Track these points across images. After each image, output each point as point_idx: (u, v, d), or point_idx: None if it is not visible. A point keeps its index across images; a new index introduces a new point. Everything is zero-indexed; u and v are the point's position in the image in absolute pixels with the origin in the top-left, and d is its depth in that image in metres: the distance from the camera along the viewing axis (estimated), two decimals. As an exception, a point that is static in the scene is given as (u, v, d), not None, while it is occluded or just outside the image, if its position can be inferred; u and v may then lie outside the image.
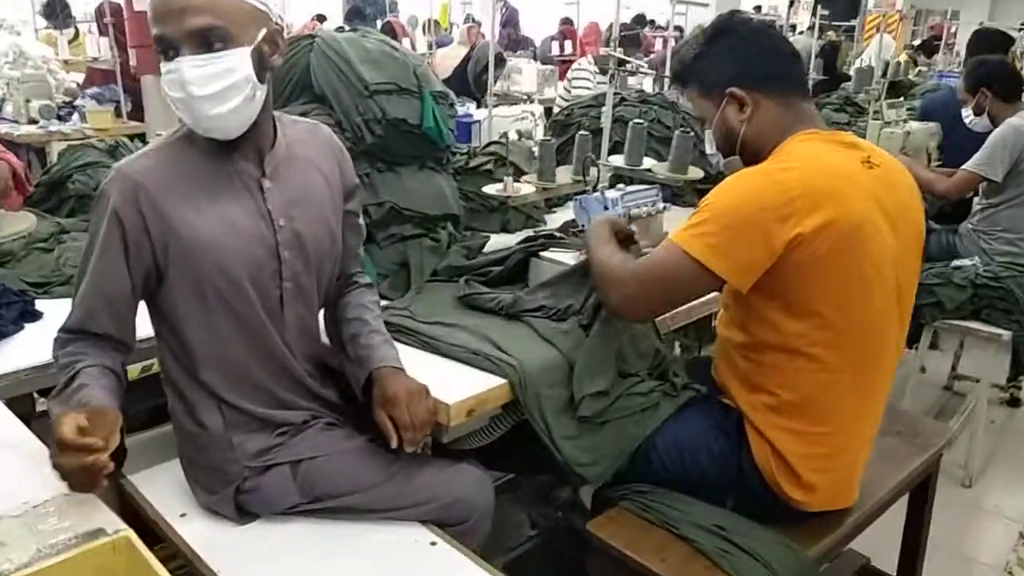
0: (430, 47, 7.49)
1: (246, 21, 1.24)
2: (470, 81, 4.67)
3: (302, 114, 1.86)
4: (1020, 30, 8.61)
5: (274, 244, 1.34)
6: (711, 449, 1.54)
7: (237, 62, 1.22)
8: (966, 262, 2.90)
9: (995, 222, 3.07)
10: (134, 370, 1.59)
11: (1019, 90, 3.11)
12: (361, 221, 1.57)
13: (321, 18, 8.83)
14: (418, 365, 1.49)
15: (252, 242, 1.32)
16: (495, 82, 4.06)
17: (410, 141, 1.96)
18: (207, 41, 1.20)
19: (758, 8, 14.64)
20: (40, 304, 1.72)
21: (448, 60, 6.44)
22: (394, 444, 1.35)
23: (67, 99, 4.33)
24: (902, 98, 5.25)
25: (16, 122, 4.09)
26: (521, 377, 1.49)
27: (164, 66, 1.23)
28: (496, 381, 1.50)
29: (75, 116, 4.17)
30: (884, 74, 6.87)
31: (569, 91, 4.75)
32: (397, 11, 9.00)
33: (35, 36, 5.94)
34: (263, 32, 1.26)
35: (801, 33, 10.06)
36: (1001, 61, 3.17)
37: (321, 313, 1.52)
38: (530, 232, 2.26)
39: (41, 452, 1.16)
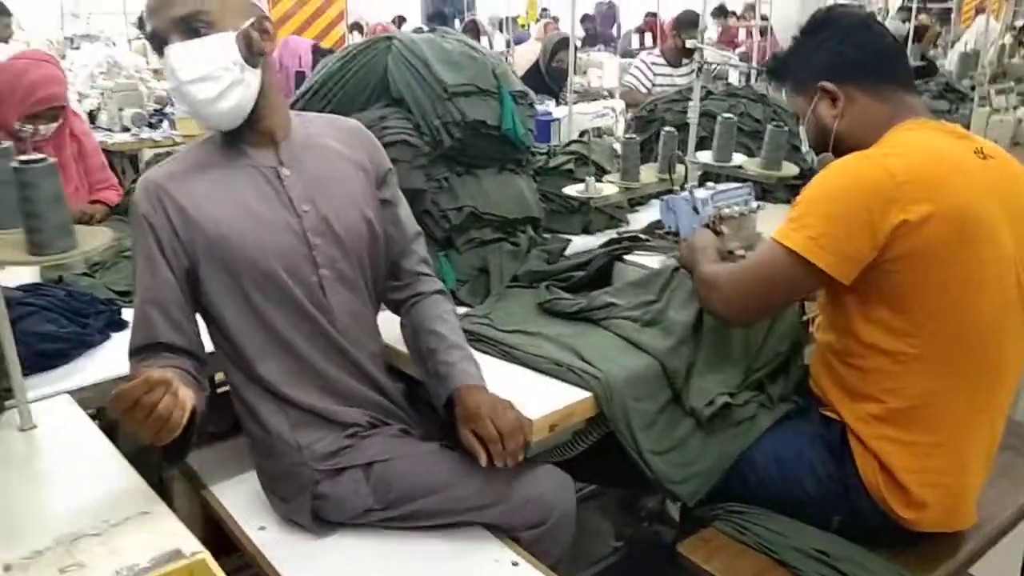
0: (508, 44, 7.46)
1: (232, 8, 1.28)
2: (543, 75, 4.59)
3: (380, 117, 1.84)
4: None
5: (301, 231, 1.35)
6: (813, 465, 1.43)
7: (221, 45, 1.25)
8: None
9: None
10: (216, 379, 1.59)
11: None
12: (406, 215, 1.53)
13: (401, 20, 8.91)
14: (498, 376, 1.44)
15: (278, 230, 1.33)
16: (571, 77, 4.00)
17: (489, 143, 1.90)
18: (192, 27, 1.24)
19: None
20: (127, 313, 1.74)
21: (525, 57, 6.37)
22: (484, 461, 1.29)
23: (157, 107, 4.45)
24: (1012, 83, 4.95)
25: (110, 131, 4.22)
26: (607, 389, 1.42)
27: (161, 61, 1.28)
28: (581, 394, 1.43)
29: (165, 123, 4.28)
30: (997, 58, 6.52)
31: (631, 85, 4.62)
32: (475, 9, 9.01)
33: (128, 47, 6.16)
34: (251, 20, 1.30)
35: (892, 17, 9.64)
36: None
37: (389, 317, 1.50)
38: (613, 234, 2.19)
39: (124, 467, 1.16)
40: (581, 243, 2.09)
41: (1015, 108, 3.34)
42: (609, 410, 1.41)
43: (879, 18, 8.51)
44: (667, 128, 2.16)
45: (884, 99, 1.39)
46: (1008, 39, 7.86)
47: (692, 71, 2.42)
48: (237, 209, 1.32)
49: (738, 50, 7.93)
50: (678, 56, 4.65)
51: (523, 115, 2.00)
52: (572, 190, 2.00)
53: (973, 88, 3.85)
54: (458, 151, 1.86)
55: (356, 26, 6.14)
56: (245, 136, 1.35)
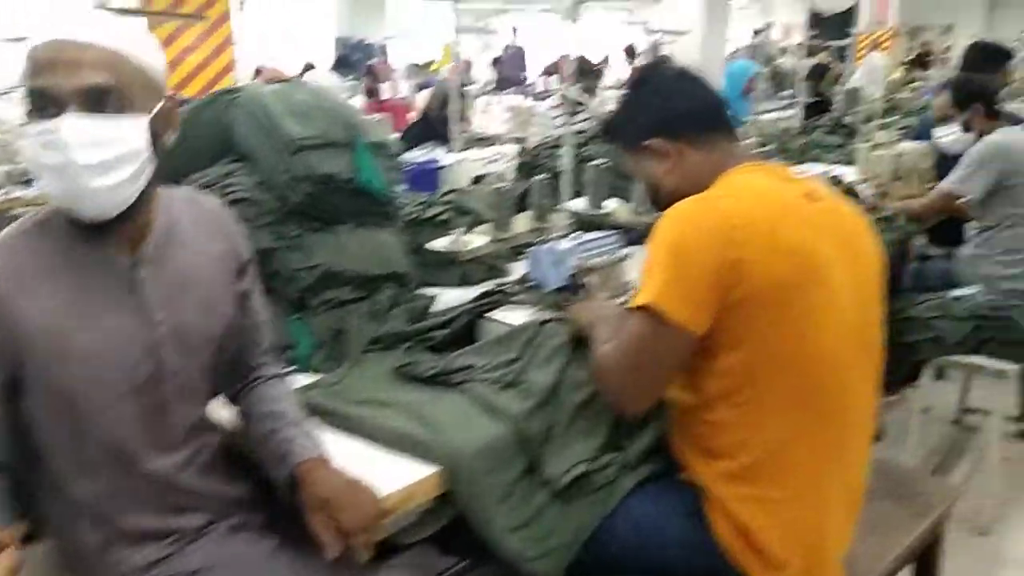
0: (419, 89, 7.45)
1: (145, 88, 1.10)
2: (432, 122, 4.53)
3: (225, 175, 1.73)
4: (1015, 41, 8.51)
5: (152, 343, 1.17)
6: (672, 531, 1.37)
7: (132, 130, 1.08)
8: (967, 291, 2.72)
9: (993, 245, 2.88)
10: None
11: (996, 109, 2.96)
12: (259, 302, 1.39)
13: (309, 67, 8.79)
14: (339, 454, 1.32)
15: (124, 342, 1.15)
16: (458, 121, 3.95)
17: (346, 197, 1.80)
18: (101, 102, 1.05)
19: (762, 30, 14.64)
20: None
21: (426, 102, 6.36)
22: (331, 554, 1.16)
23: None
24: (896, 117, 5.12)
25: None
26: (454, 463, 1.32)
27: (37, 125, 1.05)
28: (425, 471, 1.32)
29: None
30: (885, 93, 6.77)
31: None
32: (385, 55, 8.98)
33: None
34: (160, 104, 1.13)
35: (787, 53, 10.00)
36: (982, 77, 3.02)
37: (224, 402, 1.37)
38: (492, 285, 2.11)
39: None
40: (454, 297, 2.00)
41: (896, 142, 3.42)
42: (456, 486, 1.31)
43: (780, 55, 8.77)
44: (538, 177, 2.10)
45: (712, 149, 1.39)
46: (899, 73, 8.23)
47: (589, 117, 2.40)
48: (77, 316, 1.12)
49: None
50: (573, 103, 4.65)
51: (385, 166, 1.92)
52: (439, 243, 1.92)
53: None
54: (310, 207, 1.76)
55: (258, 72, 6.01)
56: (104, 226, 1.12)
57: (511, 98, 7.23)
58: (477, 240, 1.95)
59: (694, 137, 1.38)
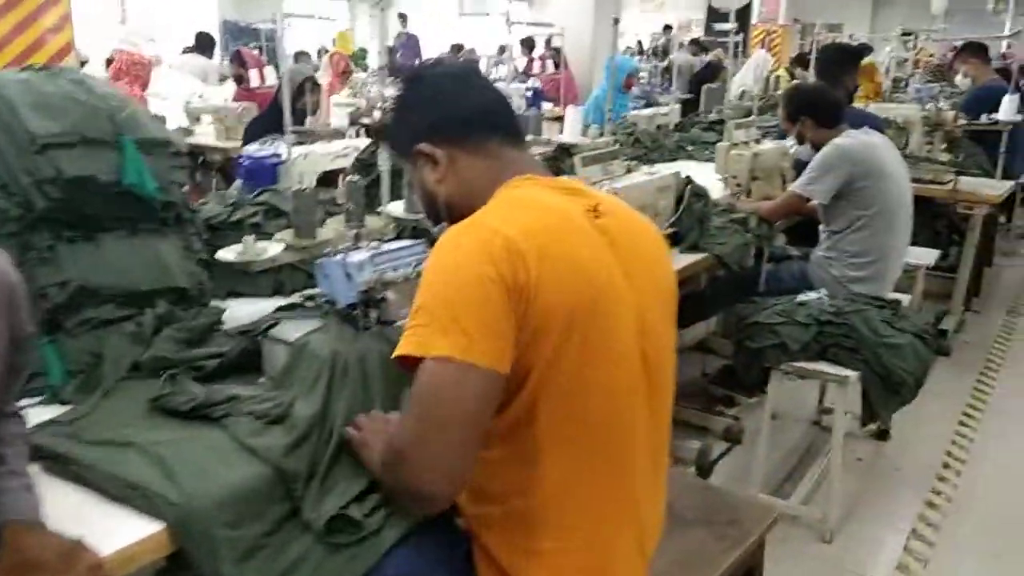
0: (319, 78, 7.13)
1: None
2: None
3: (-42, 177, 1.49)
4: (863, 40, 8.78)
5: None
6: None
7: None
8: (812, 295, 2.69)
9: (842, 248, 2.88)
10: None
11: (839, 114, 2.95)
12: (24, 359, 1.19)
13: (189, 50, 8.32)
14: (58, 507, 1.13)
15: None
16: (312, 113, 3.73)
17: (109, 202, 1.59)
18: None
19: (667, 27, 14.77)
20: None
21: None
22: None
23: None
24: (755, 117, 5.15)
25: None
26: (185, 518, 1.14)
27: None
28: (152, 527, 1.14)
29: None
30: (766, 90, 6.84)
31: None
32: (261, 41, 8.59)
33: None
34: None
35: (682, 46, 10.08)
36: (817, 87, 3.02)
37: None
38: (299, 298, 1.92)
39: None
40: (250, 312, 1.80)
41: (756, 142, 3.38)
42: (187, 544, 1.13)
43: (675, 51, 8.82)
44: (352, 177, 1.93)
45: (489, 156, 1.24)
46: (782, 71, 8.35)
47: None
48: None
49: (529, 81, 7.98)
50: None
51: (164, 166, 1.70)
52: (230, 253, 1.72)
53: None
54: (64, 213, 1.54)
55: (109, 61, 5.61)
56: None
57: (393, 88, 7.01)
58: (274, 248, 1.75)
59: (468, 143, 1.23)
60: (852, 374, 2.44)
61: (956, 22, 11.16)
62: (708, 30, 17.33)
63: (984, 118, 4.26)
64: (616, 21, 2.90)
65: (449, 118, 1.24)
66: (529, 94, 7.72)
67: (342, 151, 3.19)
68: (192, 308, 1.70)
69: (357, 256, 1.56)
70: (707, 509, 1.60)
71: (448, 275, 1.09)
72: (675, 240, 2.70)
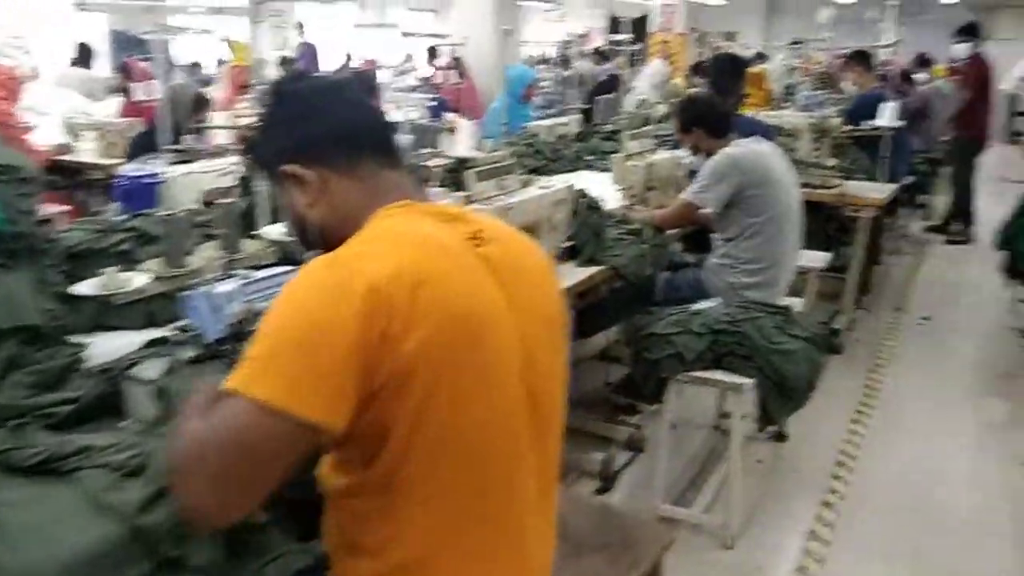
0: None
1: None
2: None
3: None
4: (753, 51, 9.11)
5: None
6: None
7: None
8: (706, 304, 2.72)
9: (736, 255, 2.93)
10: None
11: (729, 123, 3.01)
12: None
13: (76, 62, 7.90)
14: None
15: None
16: (196, 130, 3.58)
17: (-54, 235, 1.45)
18: None
19: (584, 34, 14.90)
20: None
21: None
22: None
23: None
24: (666, 123, 5.23)
25: None
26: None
27: None
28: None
29: None
30: (666, 99, 6.97)
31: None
32: (151, 52, 8.23)
33: None
34: None
35: (585, 56, 10.21)
36: (708, 98, 3.07)
37: None
38: (171, 331, 1.80)
39: None
40: (115, 348, 1.67)
41: (651, 152, 3.42)
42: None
43: (577, 60, 8.88)
44: (224, 199, 1.83)
45: (363, 179, 1.16)
46: (680, 80, 8.53)
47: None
48: None
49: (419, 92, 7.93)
50: None
51: (12, 193, 1.57)
52: (87, 286, 1.60)
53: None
54: None
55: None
56: None
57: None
58: (140, 279, 1.64)
59: (339, 163, 1.15)
60: (747, 381, 2.47)
61: (841, 32, 11.68)
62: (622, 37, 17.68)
63: (867, 124, 4.43)
64: (508, 32, 2.86)
65: (317, 136, 1.15)
66: (433, 104, 7.68)
67: (226, 169, 3.07)
68: (47, 347, 1.57)
69: (225, 286, 1.48)
70: (603, 532, 1.57)
71: (295, 313, 0.99)
72: (572, 253, 2.69)
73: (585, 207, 2.69)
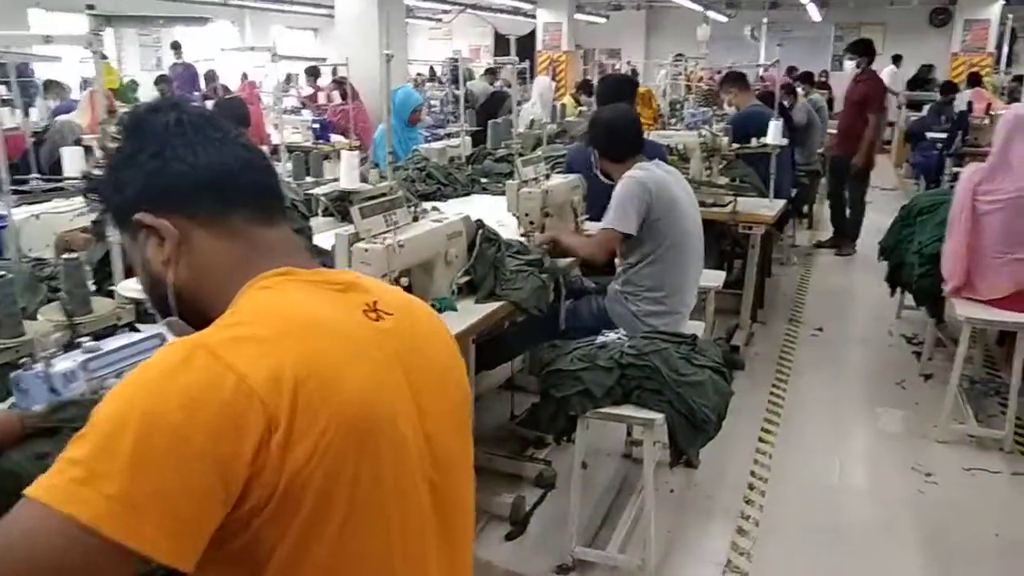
0: (54, 114, 6.36)
1: None
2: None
3: None
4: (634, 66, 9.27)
5: None
6: None
7: None
8: (611, 336, 2.62)
9: (638, 281, 2.86)
10: None
11: (630, 148, 2.94)
12: None
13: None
14: None
15: None
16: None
17: None
18: None
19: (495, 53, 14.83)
20: None
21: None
22: None
23: None
24: (556, 143, 5.17)
25: None
26: None
27: None
28: None
29: None
30: (554, 118, 6.94)
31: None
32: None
33: None
34: None
35: (471, 74, 10.13)
36: (608, 123, 3.00)
37: None
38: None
39: None
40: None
41: (546, 177, 3.31)
42: None
43: (465, 79, 8.82)
44: (67, 256, 1.58)
45: (231, 236, 0.94)
46: (567, 99, 8.55)
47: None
48: None
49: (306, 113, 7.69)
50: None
51: None
52: None
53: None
54: None
55: None
56: None
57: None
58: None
59: (204, 214, 0.94)
60: (657, 416, 2.38)
61: (719, 49, 12.07)
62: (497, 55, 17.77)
63: (757, 142, 4.49)
64: (389, 57, 2.71)
65: (178, 179, 0.93)
66: (316, 126, 7.40)
67: (81, 210, 2.77)
68: None
69: (65, 363, 1.25)
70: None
71: (140, 413, 0.77)
72: (471, 288, 2.54)
73: (483, 239, 2.54)
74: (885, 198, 8.78)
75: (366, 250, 2.14)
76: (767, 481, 3.19)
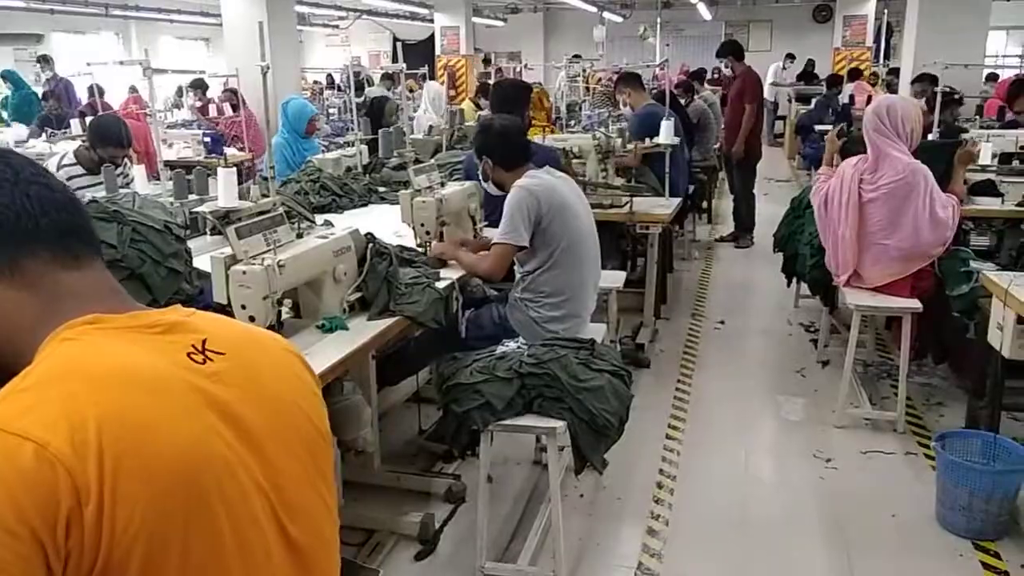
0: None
1: None
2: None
3: None
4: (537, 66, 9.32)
5: None
6: None
7: None
8: (511, 345, 2.58)
9: (536, 288, 2.83)
10: None
11: (520, 156, 2.92)
12: None
13: None
14: None
15: None
16: None
17: None
18: None
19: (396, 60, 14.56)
20: None
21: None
22: None
23: None
24: (456, 149, 5.11)
25: None
26: None
27: None
28: None
29: None
30: (452, 123, 6.87)
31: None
32: None
33: None
34: None
35: (372, 85, 9.98)
36: (500, 130, 2.96)
37: None
38: None
39: None
40: None
41: (441, 184, 3.25)
42: None
43: (366, 85, 8.59)
44: None
45: (31, 285, 0.85)
46: (466, 104, 8.50)
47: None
48: None
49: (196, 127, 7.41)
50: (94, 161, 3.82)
51: None
52: None
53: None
54: None
55: None
56: None
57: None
58: None
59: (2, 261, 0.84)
60: (559, 424, 2.35)
61: (614, 49, 12.27)
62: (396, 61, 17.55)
63: (650, 141, 4.54)
64: (265, 69, 2.59)
65: None
66: (207, 140, 7.14)
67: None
68: None
69: None
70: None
71: None
72: (363, 305, 2.46)
73: (374, 253, 2.46)
74: (780, 190, 9.09)
75: (244, 272, 2.04)
76: (675, 479, 3.21)
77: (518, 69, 13.62)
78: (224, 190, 2.52)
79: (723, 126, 7.29)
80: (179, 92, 10.40)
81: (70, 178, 3.75)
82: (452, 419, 2.42)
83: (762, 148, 7.08)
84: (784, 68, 14.13)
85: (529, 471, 3.28)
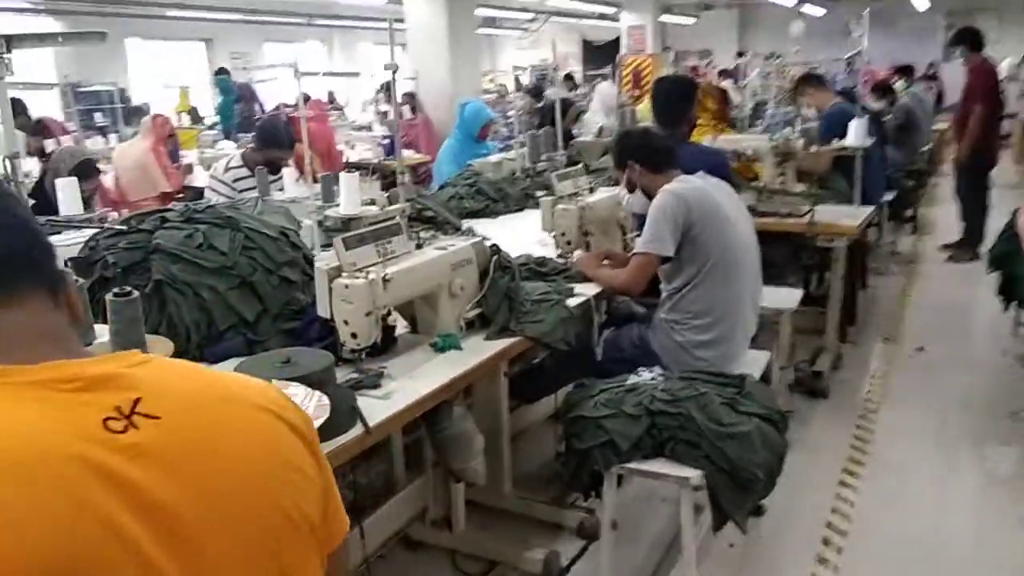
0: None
1: None
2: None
3: None
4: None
5: None
6: None
7: None
8: (644, 375, 2.28)
9: (683, 308, 2.51)
10: None
11: (668, 157, 2.61)
12: None
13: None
14: None
15: None
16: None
17: None
18: None
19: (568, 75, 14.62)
20: None
21: (124, 158, 5.46)
22: None
23: None
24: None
25: None
26: None
27: None
28: None
29: None
30: (622, 123, 6.58)
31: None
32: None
33: None
34: None
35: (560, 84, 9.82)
36: (644, 131, 2.69)
37: None
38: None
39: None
40: None
41: (589, 192, 2.99)
42: None
43: (549, 88, 8.50)
44: None
45: None
46: (644, 105, 8.13)
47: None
48: None
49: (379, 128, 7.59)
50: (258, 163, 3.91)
51: None
52: None
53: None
54: None
55: None
56: None
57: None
58: None
59: None
60: (694, 474, 2.02)
61: (814, 44, 11.36)
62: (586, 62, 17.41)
63: (836, 144, 4.03)
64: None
65: None
66: (386, 143, 7.31)
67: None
68: None
69: None
70: None
71: None
72: (484, 322, 2.26)
73: (496, 267, 2.25)
74: (1003, 198, 7.97)
75: (346, 286, 1.89)
76: (847, 535, 2.75)
77: (710, 67, 12.99)
78: (346, 196, 2.41)
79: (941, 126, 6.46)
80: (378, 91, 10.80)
81: (236, 180, 3.86)
82: (572, 456, 2.16)
83: (998, 154, 6.20)
84: (1020, 65, 12.47)
85: (675, 509, 2.95)
